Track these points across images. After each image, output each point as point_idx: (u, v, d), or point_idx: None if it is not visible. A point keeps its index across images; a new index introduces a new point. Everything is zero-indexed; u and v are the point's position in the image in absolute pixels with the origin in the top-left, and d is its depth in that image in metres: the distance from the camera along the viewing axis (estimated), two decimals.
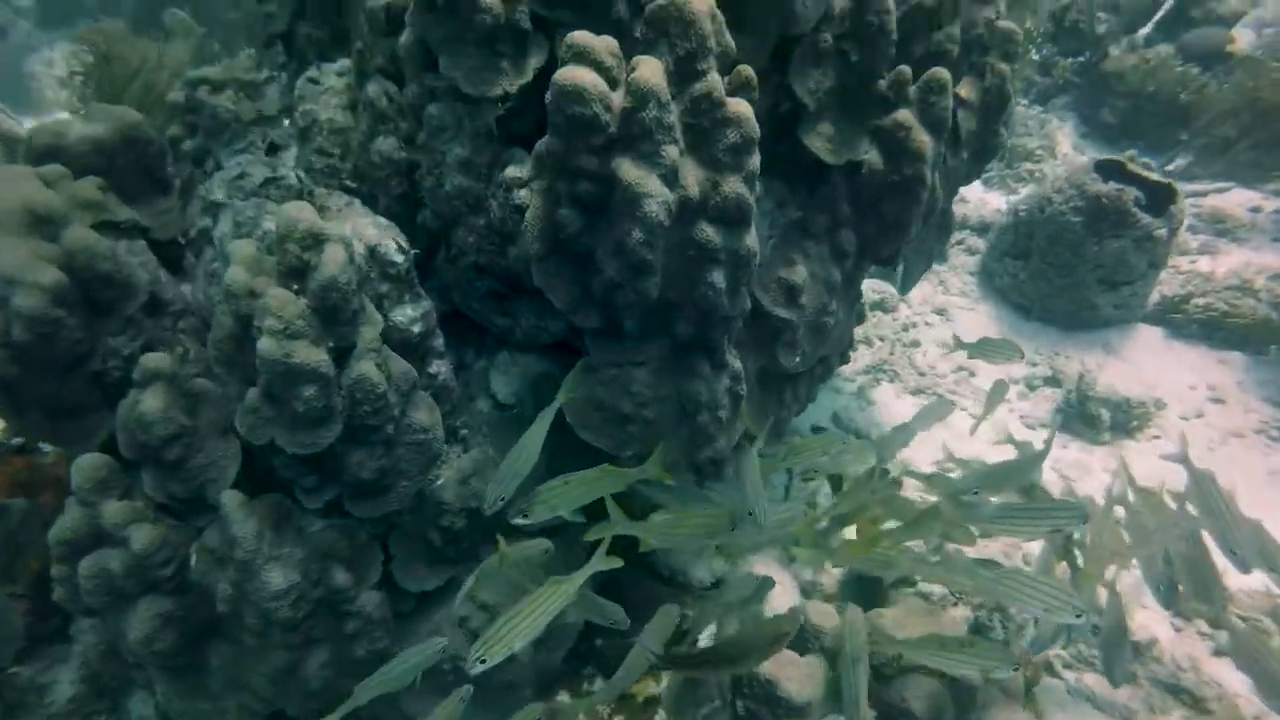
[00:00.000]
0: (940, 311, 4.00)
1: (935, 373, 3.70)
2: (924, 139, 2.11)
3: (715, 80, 1.65)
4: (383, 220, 1.90)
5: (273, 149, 2.24)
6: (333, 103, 2.26)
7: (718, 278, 1.76)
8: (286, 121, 2.57)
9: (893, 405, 3.59)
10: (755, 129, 1.68)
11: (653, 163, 1.62)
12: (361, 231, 1.84)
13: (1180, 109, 4.62)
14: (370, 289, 1.84)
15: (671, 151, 1.63)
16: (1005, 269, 3.92)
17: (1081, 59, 5.07)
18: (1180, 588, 1.90)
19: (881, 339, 3.85)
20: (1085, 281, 3.59)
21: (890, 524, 2.65)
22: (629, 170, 1.60)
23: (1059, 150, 4.82)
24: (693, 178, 1.69)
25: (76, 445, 1.74)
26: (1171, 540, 1.95)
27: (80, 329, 1.62)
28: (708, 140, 1.68)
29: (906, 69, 2.07)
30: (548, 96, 1.60)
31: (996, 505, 1.85)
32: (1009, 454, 2.65)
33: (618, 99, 1.60)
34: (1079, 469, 3.21)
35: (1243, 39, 4.83)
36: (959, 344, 3.00)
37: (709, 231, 1.72)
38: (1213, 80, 4.48)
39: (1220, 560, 1.95)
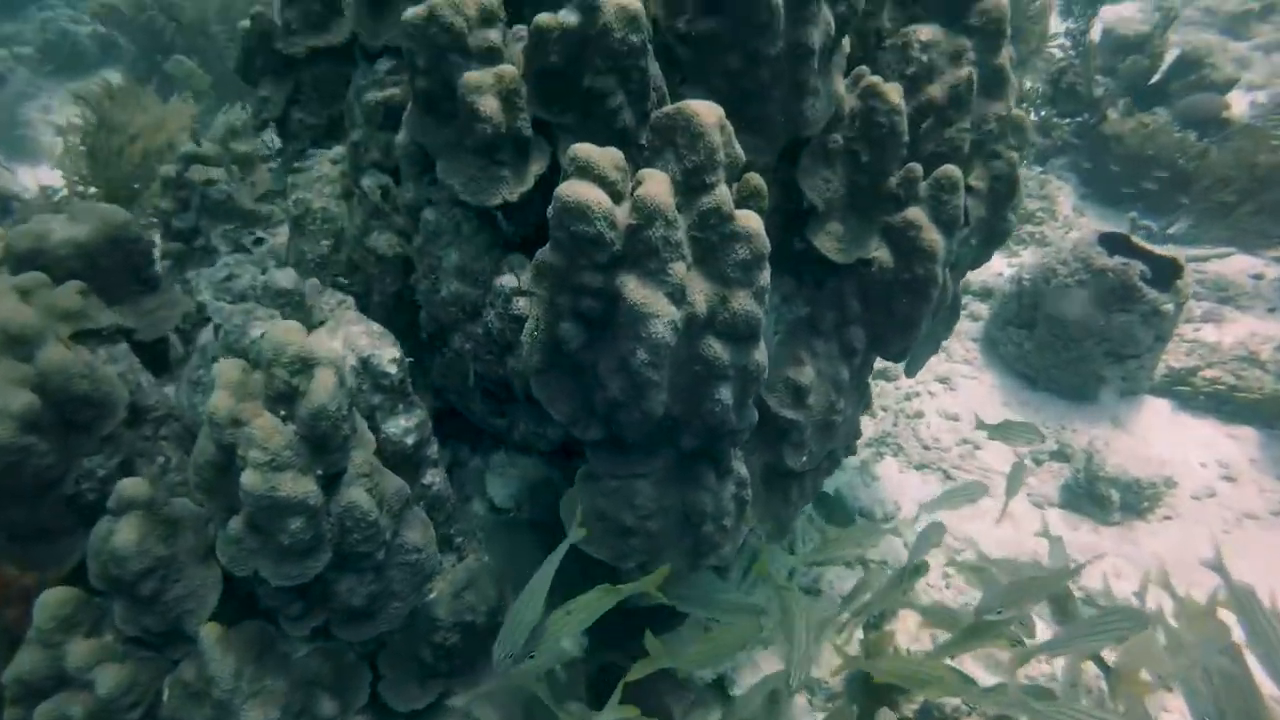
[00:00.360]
0: (944, 380, 3.94)
1: (939, 446, 3.62)
2: (935, 238, 2.06)
3: (724, 194, 1.59)
4: (375, 327, 1.82)
5: (260, 241, 2.18)
6: (326, 191, 2.21)
7: (725, 394, 1.69)
8: (280, 205, 2.51)
9: (896, 479, 3.50)
10: (765, 244, 1.61)
11: (659, 280, 1.55)
12: (354, 340, 1.76)
13: (1180, 172, 4.61)
14: (362, 401, 1.76)
15: (679, 269, 1.56)
16: (1009, 338, 3.87)
17: (1079, 119, 5.08)
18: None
19: (884, 409, 3.78)
20: (1092, 354, 3.53)
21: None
22: (635, 289, 1.54)
23: (1060, 212, 4.81)
24: (700, 293, 1.62)
25: (48, 569, 1.64)
26: (1211, 658, 1.85)
27: (53, 453, 1.54)
28: (716, 255, 1.62)
29: (917, 167, 2.02)
30: (550, 210, 1.54)
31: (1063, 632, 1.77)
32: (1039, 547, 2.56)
33: (623, 214, 1.54)
34: (1089, 552, 3.12)
35: (1237, 105, 4.85)
36: (980, 425, 2.93)
37: (716, 348, 1.65)
38: (1212, 146, 4.48)
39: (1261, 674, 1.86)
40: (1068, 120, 5.03)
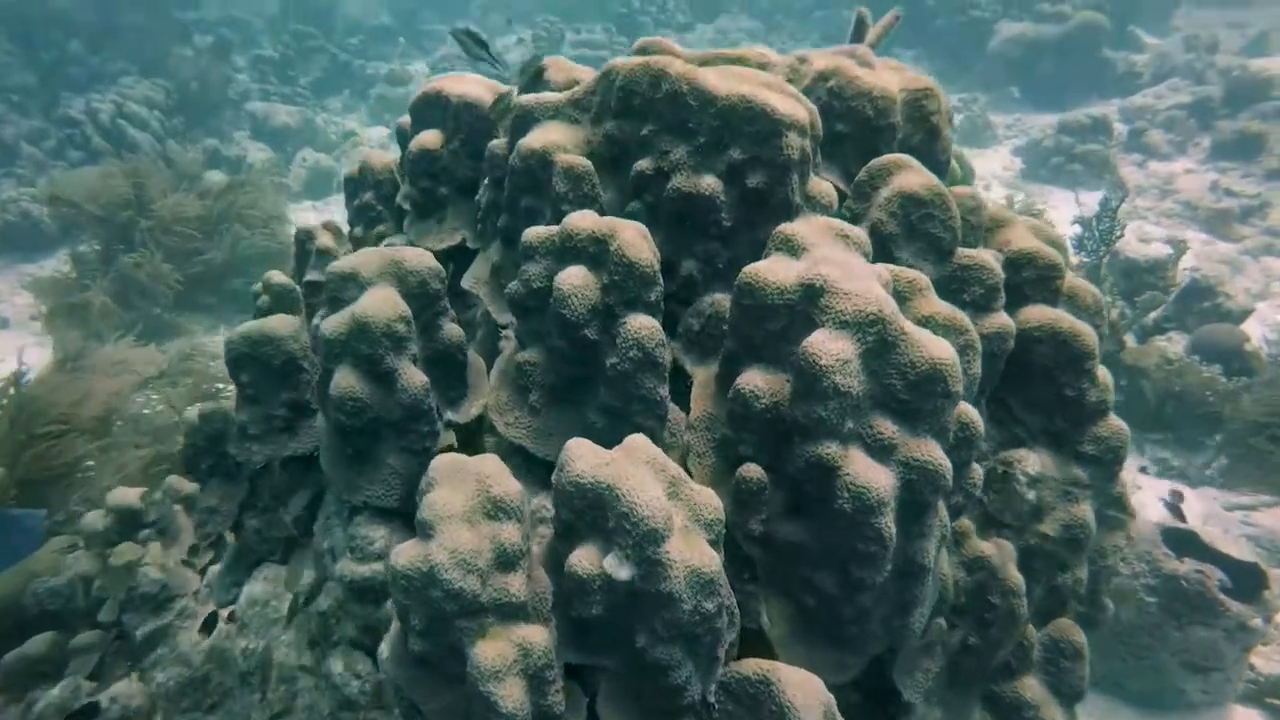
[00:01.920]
0: None
1: None
2: (1055, 715, 1.63)
3: None
4: None
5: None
6: (285, 639, 1.73)
7: None
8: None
9: None
10: None
11: None
12: None
13: (1210, 407, 4.37)
14: None
15: None
16: None
17: None
18: None
19: None
20: (1167, 665, 3.10)
21: None
22: None
23: None
24: None
25: None
26: None
27: None
28: None
29: (1031, 631, 1.62)
30: None
31: None
32: None
33: None
34: None
35: (1255, 335, 4.71)
36: None
37: None
38: (1242, 389, 4.27)
39: None
40: None
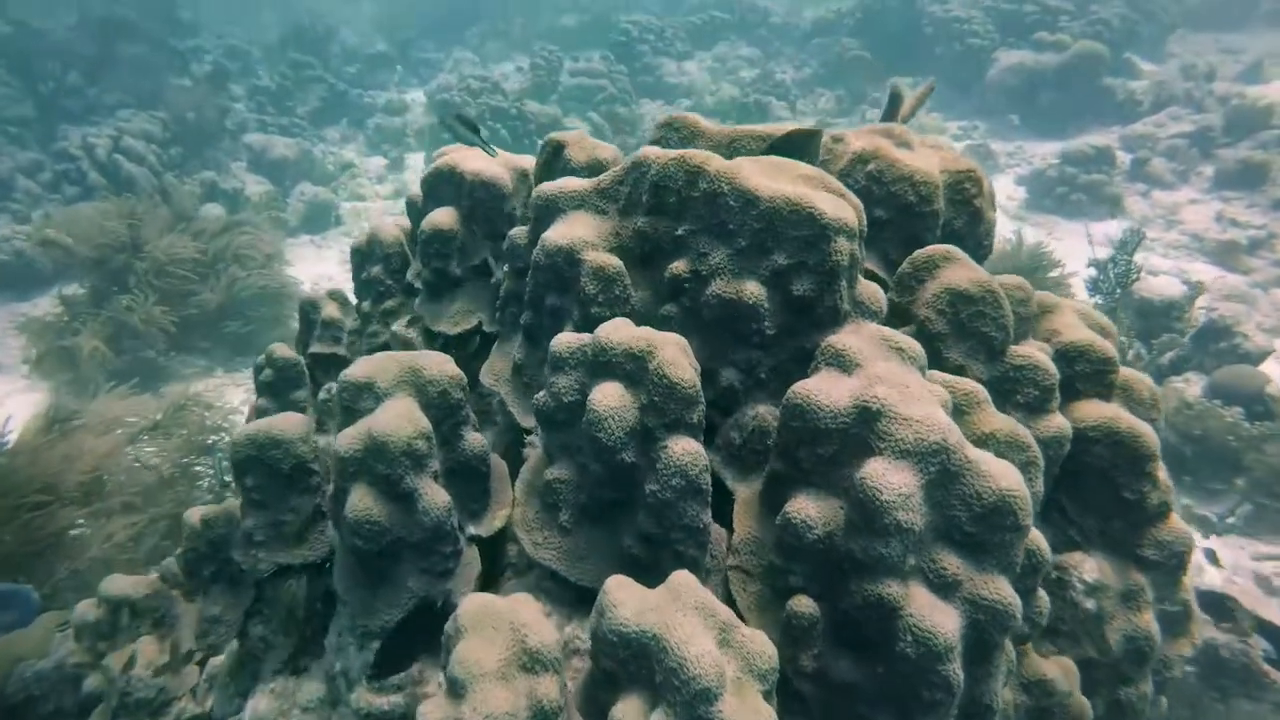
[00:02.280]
0: None
1: None
2: None
3: None
4: None
5: None
6: None
7: None
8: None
9: None
10: None
11: None
12: None
13: (1232, 452, 4.28)
14: None
15: None
16: None
17: None
18: None
19: None
20: None
21: None
22: None
23: None
24: None
25: None
26: None
27: None
28: None
29: None
30: None
31: None
32: None
33: None
34: None
35: (1276, 375, 4.63)
36: None
37: None
38: (1266, 434, 4.18)
39: None
40: None
